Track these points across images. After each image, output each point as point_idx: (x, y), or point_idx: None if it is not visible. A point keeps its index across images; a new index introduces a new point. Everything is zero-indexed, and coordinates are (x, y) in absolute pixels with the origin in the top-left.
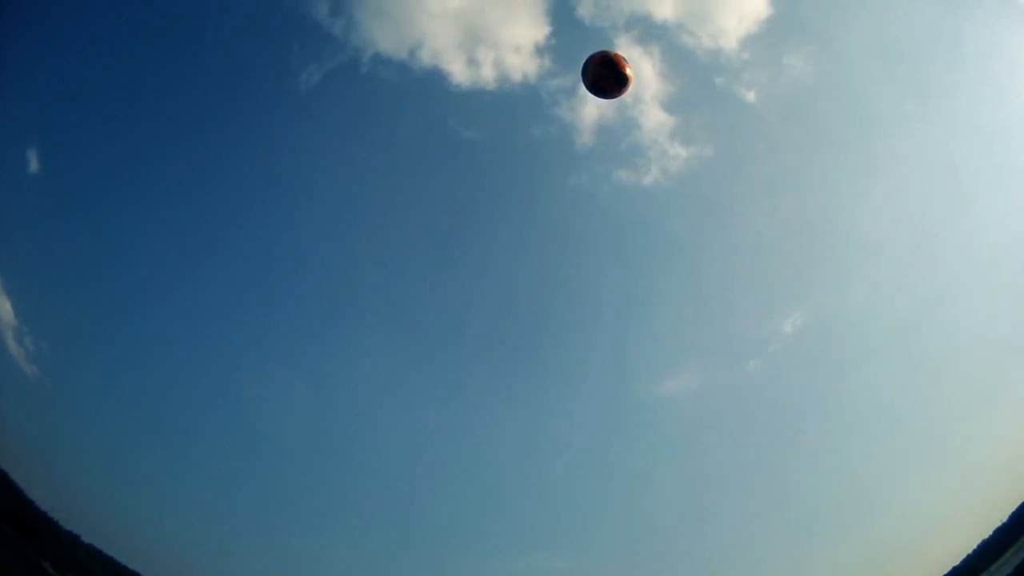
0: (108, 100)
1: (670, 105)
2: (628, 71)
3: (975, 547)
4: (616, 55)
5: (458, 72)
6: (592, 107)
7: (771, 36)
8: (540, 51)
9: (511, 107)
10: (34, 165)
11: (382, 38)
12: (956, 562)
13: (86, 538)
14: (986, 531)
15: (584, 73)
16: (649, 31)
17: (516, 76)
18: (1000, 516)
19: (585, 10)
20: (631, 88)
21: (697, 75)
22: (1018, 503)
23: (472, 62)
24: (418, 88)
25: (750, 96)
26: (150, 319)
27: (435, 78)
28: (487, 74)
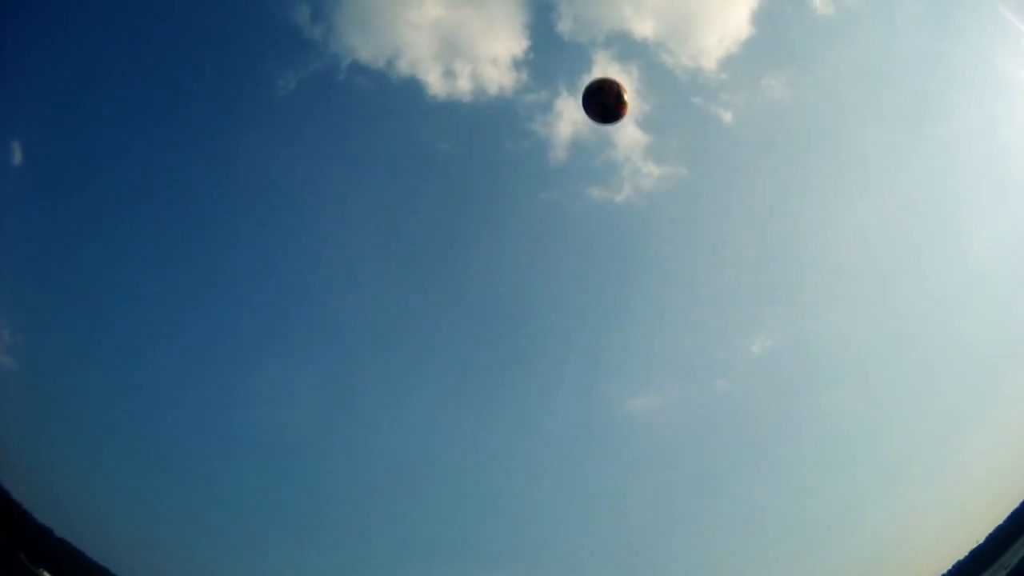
0: (83, 95)
1: (646, 123)
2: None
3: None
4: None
5: (435, 83)
6: (567, 123)
7: (751, 57)
8: (517, 65)
9: (486, 120)
10: (16, 157)
11: (361, 46)
12: None
13: (59, 532)
14: (961, 554)
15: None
16: (628, 49)
17: (492, 89)
18: (976, 540)
19: (564, 26)
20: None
21: (674, 94)
22: (992, 528)
23: (449, 73)
24: (394, 98)
25: (727, 117)
26: (126, 313)
27: (411, 88)
28: (463, 86)
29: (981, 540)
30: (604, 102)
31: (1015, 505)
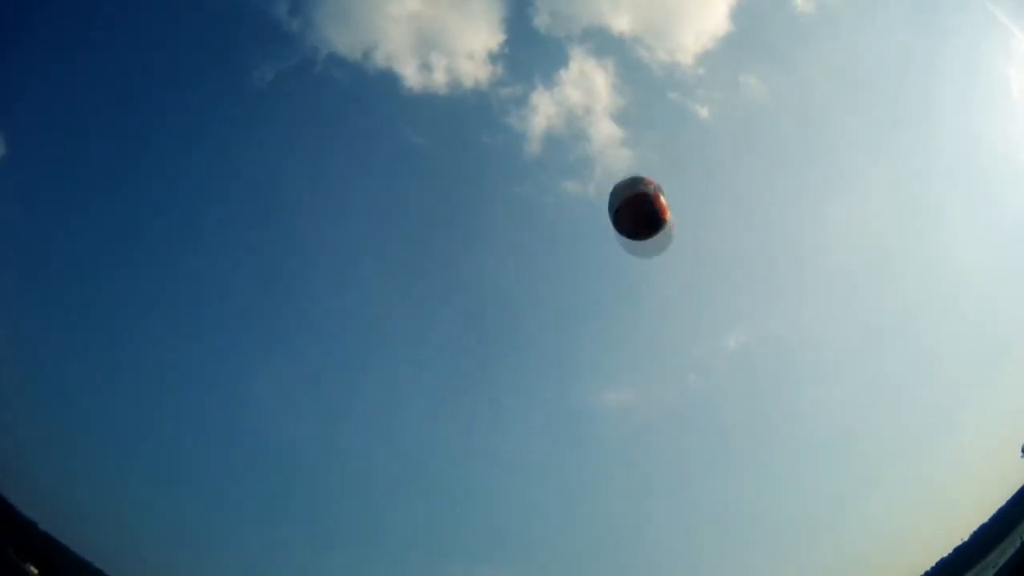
0: (60, 87)
1: (621, 118)
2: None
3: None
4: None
5: (410, 76)
6: (542, 117)
7: (729, 54)
8: (493, 59)
9: (462, 114)
10: None
11: (337, 38)
12: None
13: (43, 526)
14: (934, 558)
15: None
16: (605, 43)
17: (468, 83)
18: (954, 542)
19: (541, 20)
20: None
21: (651, 89)
22: (976, 527)
23: (425, 67)
24: (370, 91)
25: (704, 113)
26: (103, 306)
27: (388, 82)
28: (439, 79)
29: (966, 538)
30: (639, 212)
31: (1000, 503)
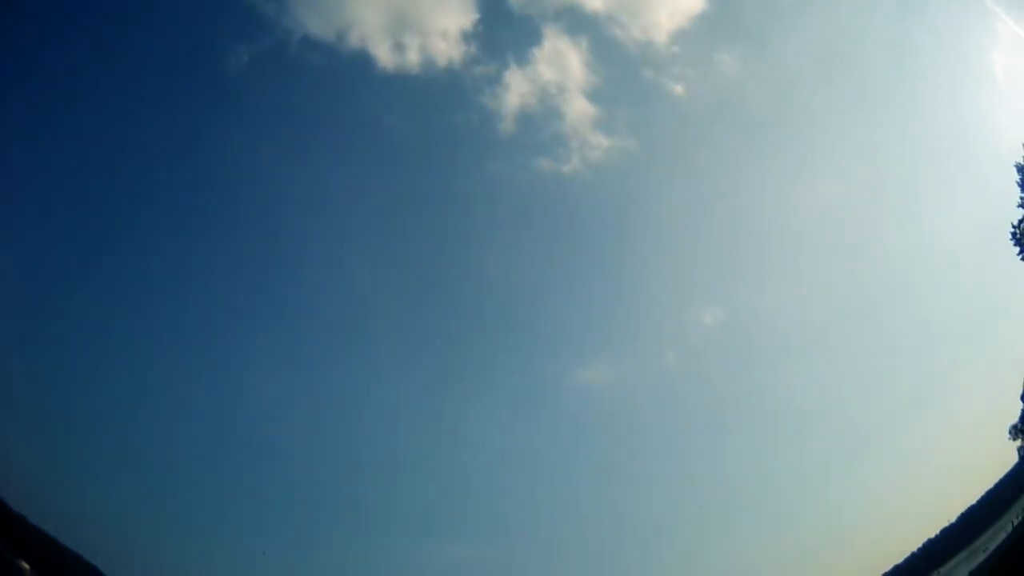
0: (28, 73)
1: (595, 95)
2: None
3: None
4: None
5: (384, 57)
6: (515, 95)
7: (703, 32)
8: (467, 38)
9: (434, 93)
10: None
11: (312, 21)
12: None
13: (33, 520)
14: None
15: None
16: (578, 22)
17: (441, 62)
18: (941, 523)
19: None
20: None
21: (624, 67)
22: (965, 508)
23: (398, 47)
24: (344, 71)
25: (678, 90)
26: (84, 301)
27: (361, 62)
28: (413, 59)
29: (954, 519)
30: None
31: (989, 486)
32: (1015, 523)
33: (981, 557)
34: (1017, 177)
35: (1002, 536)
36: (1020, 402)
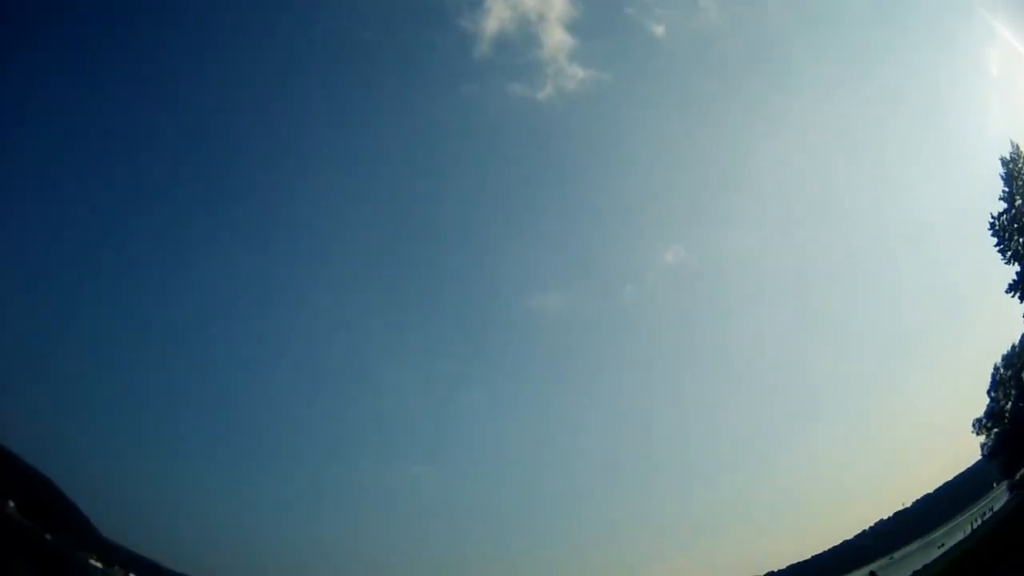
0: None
1: (575, 27)
2: None
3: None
4: None
5: None
6: (494, 19)
7: None
8: None
9: (414, 10)
10: None
11: None
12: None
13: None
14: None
15: None
16: None
17: None
18: (904, 503)
19: None
20: None
21: (607, 2)
22: (909, 502)
23: None
24: None
25: (658, 30)
26: (72, 286)
27: None
28: None
29: (908, 504)
30: None
31: (948, 478)
32: (974, 526)
33: (935, 553)
34: (1001, 170)
35: (959, 536)
36: (986, 396)
